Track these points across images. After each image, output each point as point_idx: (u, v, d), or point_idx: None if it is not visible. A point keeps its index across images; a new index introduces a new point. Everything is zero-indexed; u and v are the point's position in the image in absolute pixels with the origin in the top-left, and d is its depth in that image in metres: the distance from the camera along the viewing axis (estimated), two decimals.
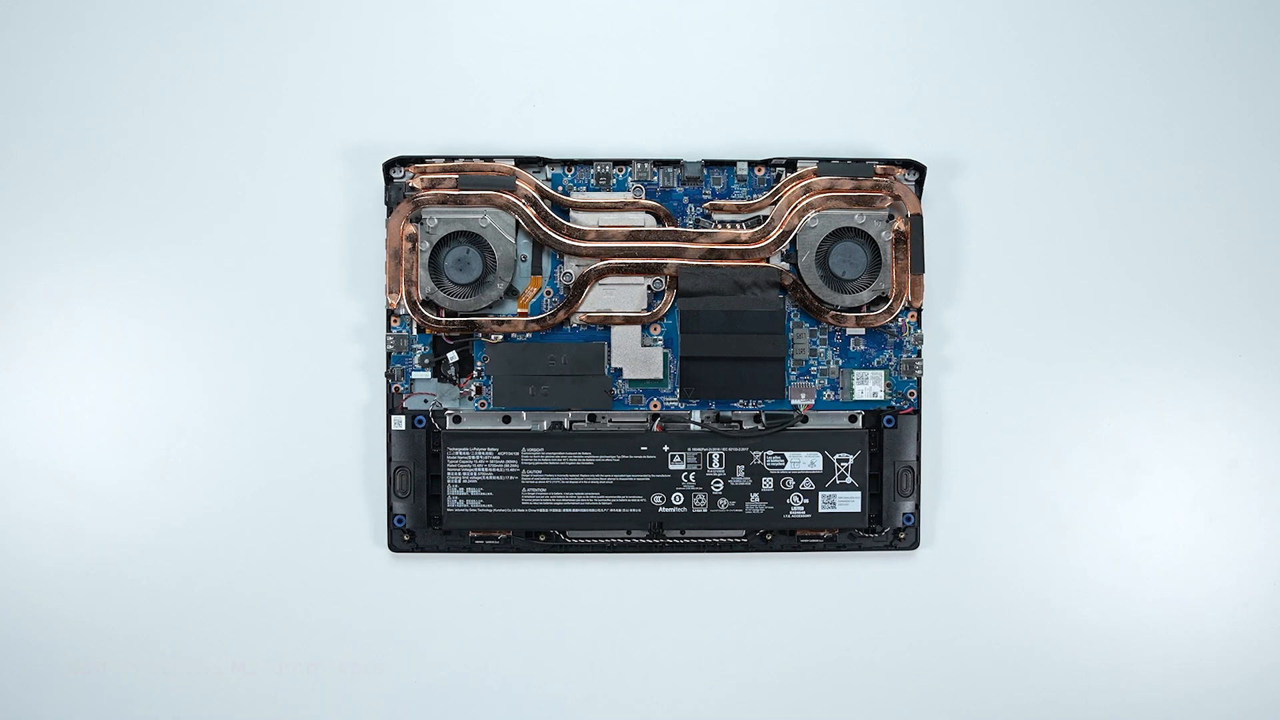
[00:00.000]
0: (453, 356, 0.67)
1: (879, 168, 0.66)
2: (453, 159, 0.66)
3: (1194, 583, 0.70)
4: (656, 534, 0.68)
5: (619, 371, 0.67)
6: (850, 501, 0.68)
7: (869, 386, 0.67)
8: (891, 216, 0.66)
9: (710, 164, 0.67)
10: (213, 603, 0.69)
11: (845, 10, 0.70)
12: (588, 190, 0.67)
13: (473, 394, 0.67)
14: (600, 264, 0.66)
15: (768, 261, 0.67)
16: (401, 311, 0.67)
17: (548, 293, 0.67)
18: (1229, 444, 0.70)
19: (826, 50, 0.70)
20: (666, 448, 0.67)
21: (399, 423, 0.67)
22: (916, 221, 0.66)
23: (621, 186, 0.67)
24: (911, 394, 0.68)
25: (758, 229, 0.66)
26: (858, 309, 0.67)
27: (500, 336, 0.67)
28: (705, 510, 0.67)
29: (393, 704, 0.69)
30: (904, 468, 0.68)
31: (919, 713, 0.70)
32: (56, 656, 0.68)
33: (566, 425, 0.67)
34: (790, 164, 0.67)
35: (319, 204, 0.69)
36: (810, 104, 0.69)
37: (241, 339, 0.69)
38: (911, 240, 0.66)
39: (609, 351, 0.67)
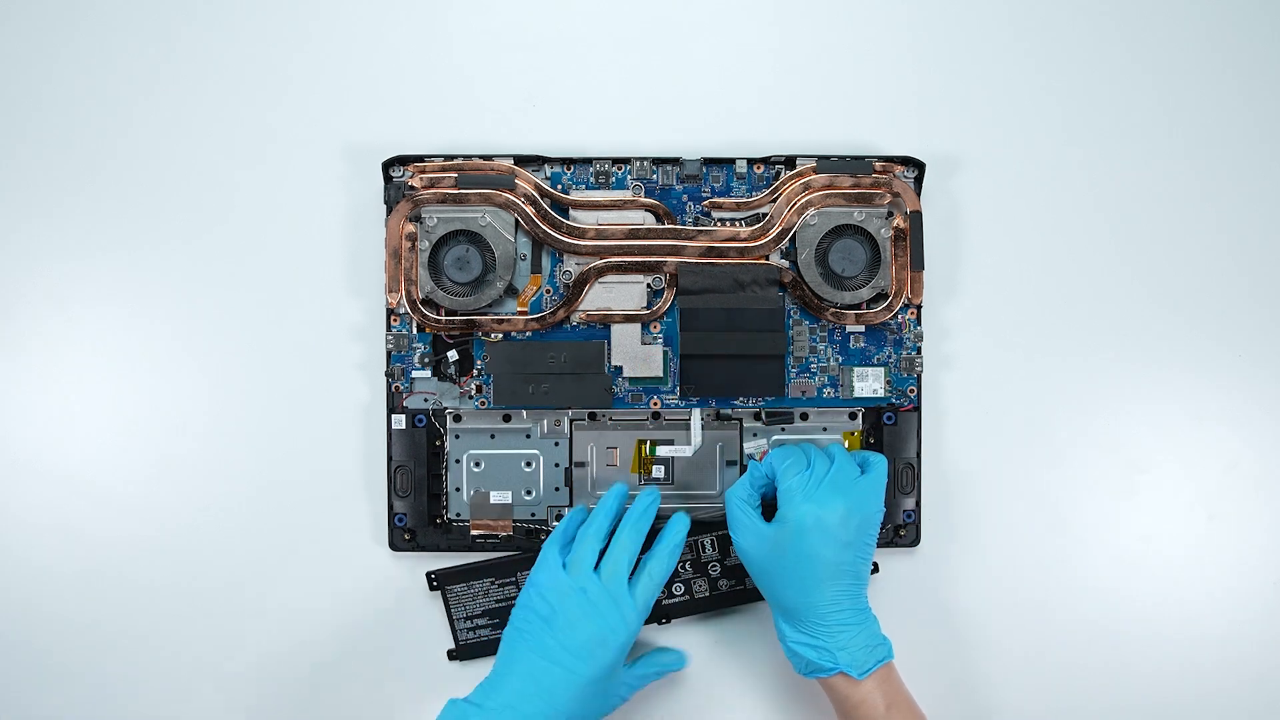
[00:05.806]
0: (453, 355, 0.67)
1: (878, 165, 0.66)
2: (452, 158, 0.66)
3: (1194, 583, 0.70)
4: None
5: (619, 370, 0.67)
6: None
7: (869, 383, 0.67)
8: (891, 213, 0.66)
9: (709, 162, 0.67)
10: (213, 602, 0.69)
11: (844, 9, 0.70)
12: (587, 189, 0.67)
13: (473, 393, 0.67)
14: (600, 262, 0.66)
15: (767, 259, 0.67)
16: (401, 310, 0.67)
17: (547, 291, 0.67)
18: (1229, 444, 0.70)
19: (825, 48, 0.70)
20: None
21: (399, 422, 0.67)
22: (916, 218, 0.66)
23: (621, 185, 0.67)
24: (911, 391, 0.68)
25: (757, 226, 0.66)
26: (857, 306, 0.67)
27: (500, 335, 0.67)
28: None
29: (393, 703, 0.69)
30: (904, 465, 0.68)
31: None
32: (56, 656, 0.68)
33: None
34: (789, 161, 0.67)
35: (319, 203, 0.69)
36: (809, 102, 0.69)
37: (242, 338, 0.69)
38: (911, 237, 0.66)
39: (609, 350, 0.67)
